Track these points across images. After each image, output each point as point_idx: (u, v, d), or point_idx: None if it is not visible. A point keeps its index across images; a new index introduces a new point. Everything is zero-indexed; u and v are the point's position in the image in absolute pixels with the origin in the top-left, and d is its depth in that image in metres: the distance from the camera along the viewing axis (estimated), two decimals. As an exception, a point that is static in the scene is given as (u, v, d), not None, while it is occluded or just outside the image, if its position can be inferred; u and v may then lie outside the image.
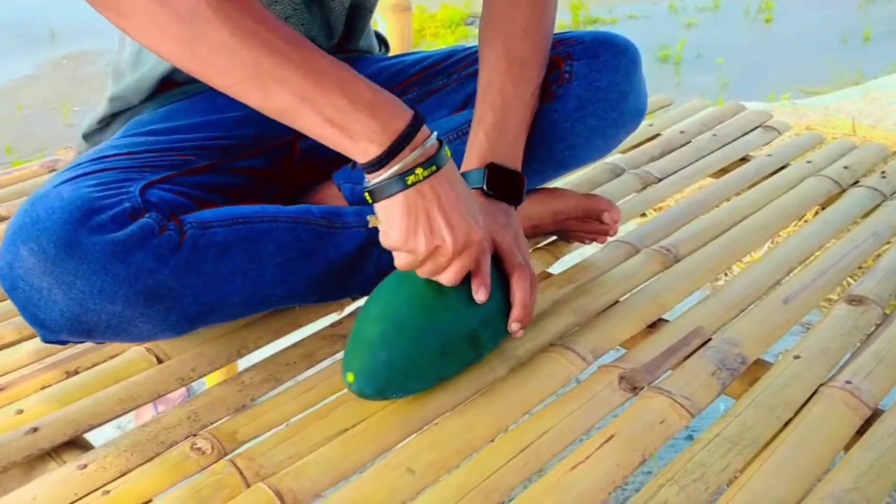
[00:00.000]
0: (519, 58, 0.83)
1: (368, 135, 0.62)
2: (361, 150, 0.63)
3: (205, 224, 0.72)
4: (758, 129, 1.32)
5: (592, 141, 0.89)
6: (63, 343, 0.72)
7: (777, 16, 4.75)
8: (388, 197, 0.64)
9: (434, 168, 0.64)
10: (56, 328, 0.67)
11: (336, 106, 0.61)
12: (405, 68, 0.97)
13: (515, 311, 0.73)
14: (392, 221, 0.65)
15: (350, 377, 0.68)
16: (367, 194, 0.65)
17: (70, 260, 0.64)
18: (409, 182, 0.63)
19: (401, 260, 0.68)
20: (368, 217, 0.68)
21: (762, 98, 3.06)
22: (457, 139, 0.88)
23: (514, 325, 0.74)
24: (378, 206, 0.65)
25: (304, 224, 0.77)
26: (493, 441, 0.67)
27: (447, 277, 0.69)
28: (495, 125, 0.81)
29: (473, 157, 0.81)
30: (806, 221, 1.03)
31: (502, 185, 0.80)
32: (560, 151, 0.88)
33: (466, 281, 0.71)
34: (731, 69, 3.78)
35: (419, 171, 0.63)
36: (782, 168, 1.19)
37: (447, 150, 0.66)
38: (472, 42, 0.93)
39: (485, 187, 0.79)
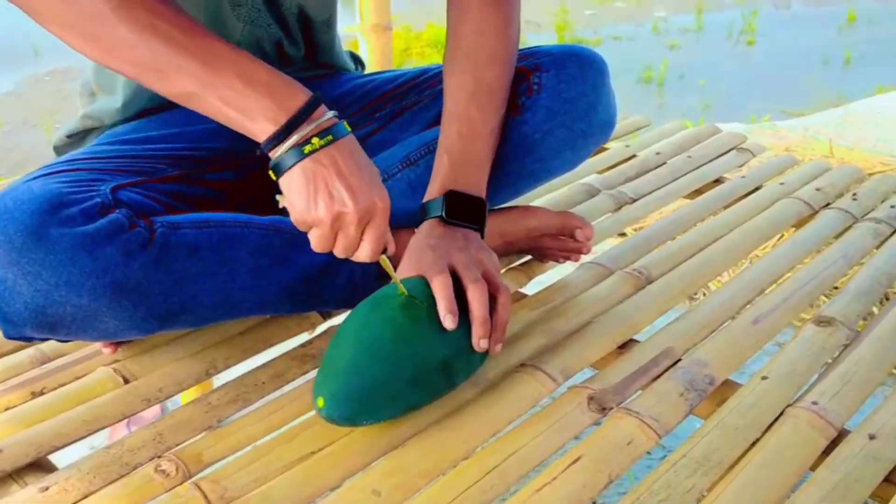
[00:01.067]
0: (486, 85, 0.84)
1: (265, 113, 0.64)
2: (260, 128, 0.64)
3: (175, 225, 0.72)
4: (732, 150, 1.33)
5: (562, 153, 0.89)
6: (27, 339, 0.71)
7: (759, 37, 4.81)
8: (288, 170, 0.64)
9: (331, 138, 0.65)
10: (20, 321, 0.67)
11: (234, 89, 0.64)
12: (379, 86, 0.98)
13: (474, 329, 0.71)
14: (294, 192, 0.65)
15: (320, 402, 0.67)
16: (271, 173, 0.66)
17: (37, 250, 0.65)
18: (306, 151, 0.64)
19: (313, 239, 0.67)
20: (277, 197, 0.68)
21: (744, 119, 3.09)
22: (428, 154, 0.89)
23: (482, 343, 0.71)
24: (281, 181, 0.66)
25: (275, 231, 0.77)
26: (460, 463, 0.67)
27: (364, 251, 0.67)
28: (461, 153, 0.82)
29: (436, 186, 0.82)
30: (778, 243, 1.04)
31: (462, 212, 0.80)
32: (530, 164, 0.89)
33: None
34: (714, 90, 3.82)
35: (315, 140, 0.64)
36: (756, 189, 1.20)
37: (347, 126, 0.67)
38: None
39: (443, 214, 0.79)
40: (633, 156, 1.33)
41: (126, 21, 0.63)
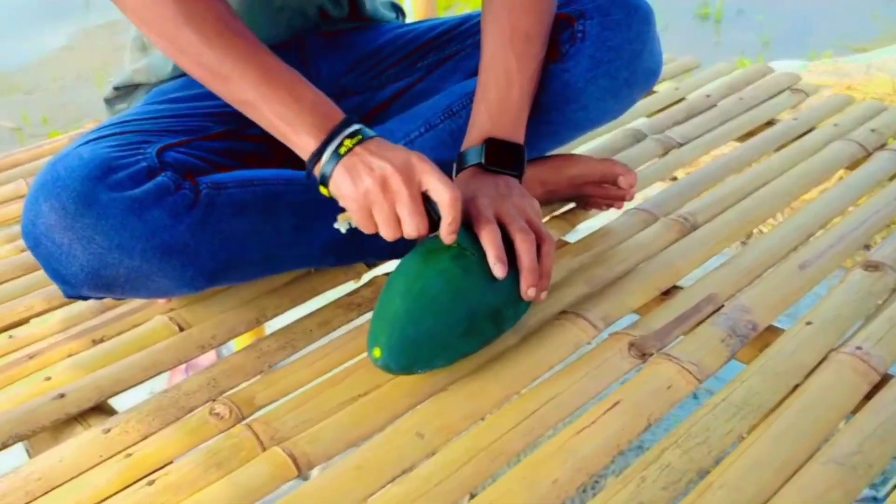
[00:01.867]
0: (523, 32, 0.83)
1: (308, 129, 0.70)
2: (304, 143, 0.70)
3: (220, 185, 0.74)
4: (786, 91, 1.30)
5: (605, 101, 0.88)
6: (85, 298, 0.75)
7: (822, -30, 4.60)
8: (331, 173, 0.69)
9: (360, 137, 0.70)
10: (76, 283, 0.70)
11: (285, 104, 0.70)
12: (420, 35, 0.98)
13: (523, 277, 0.72)
14: (342, 186, 0.69)
15: (377, 353, 0.68)
16: (322, 189, 0.71)
17: (88, 215, 0.67)
18: (342, 153, 0.69)
19: (380, 224, 0.70)
20: (336, 225, 0.72)
21: (805, 56, 2.99)
22: (470, 103, 0.89)
23: (529, 292, 0.72)
24: (331, 188, 0.70)
25: (318, 187, 0.79)
26: (501, 406, 0.69)
27: (436, 191, 0.68)
28: (498, 102, 0.82)
29: (474, 134, 0.81)
30: (830, 186, 1.02)
31: (501, 158, 0.80)
32: (573, 112, 0.88)
33: None
34: (774, 26, 3.69)
35: (347, 142, 0.70)
36: (809, 131, 1.17)
37: (371, 131, 0.72)
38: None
39: (483, 161, 0.79)
40: (682, 98, 1.30)
41: (197, 27, 0.70)
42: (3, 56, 3.86)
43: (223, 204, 0.73)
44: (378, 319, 0.70)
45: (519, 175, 0.81)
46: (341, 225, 0.72)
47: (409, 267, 0.72)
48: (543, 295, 0.74)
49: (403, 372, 0.70)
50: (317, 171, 0.71)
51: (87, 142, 0.74)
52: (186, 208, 0.71)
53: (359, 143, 0.70)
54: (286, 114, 0.70)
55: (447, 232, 0.69)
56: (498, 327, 0.73)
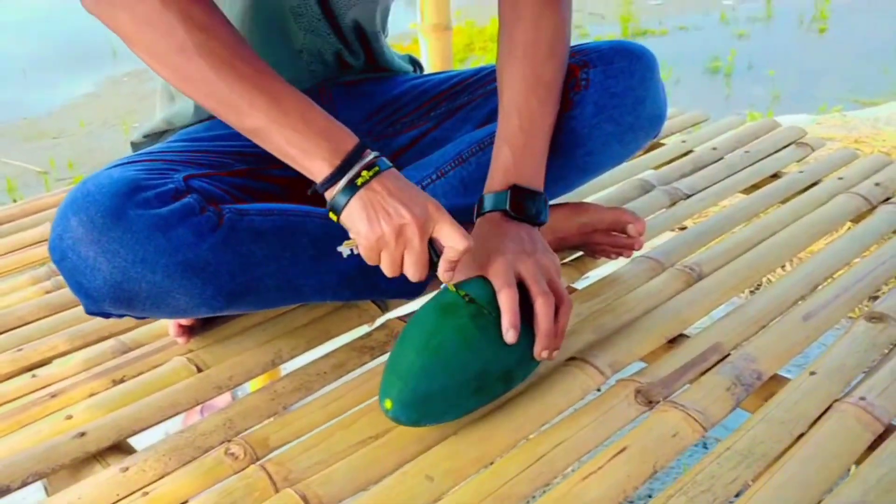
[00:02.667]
0: (545, 80, 0.86)
1: (322, 154, 0.70)
2: (317, 168, 0.70)
3: (242, 212, 0.77)
4: (791, 145, 1.33)
5: (610, 146, 0.91)
6: (106, 315, 0.76)
7: (832, 25, 4.67)
8: (346, 204, 0.70)
9: (377, 169, 0.70)
10: (99, 297, 0.72)
11: (297, 129, 0.70)
12: (434, 86, 1.01)
13: (539, 341, 0.73)
14: (356, 222, 0.70)
15: (388, 404, 0.69)
16: (331, 214, 0.72)
17: (115, 229, 0.70)
18: (359, 184, 0.69)
19: (384, 264, 0.72)
20: (340, 249, 0.74)
21: (814, 110, 3.03)
22: (479, 151, 0.92)
23: (542, 354, 0.73)
24: (343, 218, 0.71)
25: (335, 222, 0.81)
26: (510, 451, 0.70)
27: (449, 241, 0.70)
28: (523, 147, 0.83)
29: (497, 179, 0.83)
30: (835, 238, 1.04)
31: (525, 207, 0.81)
32: (580, 157, 0.91)
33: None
34: (784, 80, 3.74)
35: (364, 173, 0.70)
36: (814, 184, 1.19)
37: (387, 161, 0.72)
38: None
39: (507, 208, 0.81)
40: (690, 151, 1.33)
41: (208, 57, 0.69)
42: (33, 102, 3.96)
43: (244, 229, 0.76)
44: (392, 372, 0.71)
45: (541, 224, 0.82)
46: (345, 249, 0.74)
47: (426, 321, 0.73)
48: (555, 354, 0.75)
49: (412, 424, 0.71)
50: (328, 196, 0.71)
51: (116, 165, 0.77)
52: (210, 229, 0.73)
53: (376, 174, 0.70)
54: (298, 139, 0.70)
55: (443, 270, 0.71)
56: (508, 385, 0.74)
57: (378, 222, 0.69)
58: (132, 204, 0.71)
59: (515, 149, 0.83)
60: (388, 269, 0.72)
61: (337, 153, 0.70)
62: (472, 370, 0.70)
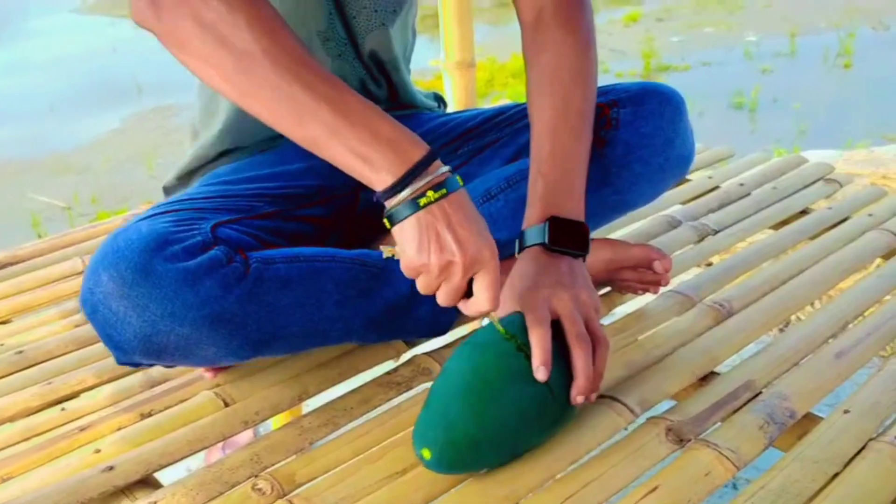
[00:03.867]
0: (575, 107, 0.85)
1: (387, 165, 0.67)
2: (381, 179, 0.67)
3: (268, 260, 0.77)
4: (819, 181, 1.32)
5: (639, 185, 0.91)
6: (136, 365, 0.77)
7: (856, 60, 4.67)
8: (402, 219, 0.67)
9: (444, 191, 0.67)
10: (129, 349, 0.73)
11: (361, 139, 0.67)
12: (460, 124, 1.02)
13: (576, 385, 0.71)
14: (407, 241, 0.68)
15: (426, 454, 0.68)
16: (385, 220, 0.69)
17: (144, 284, 0.71)
18: (422, 204, 0.67)
19: (420, 283, 0.70)
20: (382, 247, 0.72)
21: (840, 145, 3.01)
22: (508, 188, 0.92)
23: (578, 398, 0.71)
24: (395, 230, 0.69)
25: (360, 265, 0.82)
26: (539, 489, 0.69)
27: (482, 300, 0.69)
28: (557, 179, 0.82)
29: (535, 212, 0.82)
30: (865, 275, 1.03)
31: (566, 238, 0.80)
32: (607, 196, 0.91)
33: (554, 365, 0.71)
34: (809, 115, 3.73)
35: (430, 193, 0.67)
36: (843, 221, 1.18)
37: (459, 179, 0.69)
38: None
39: (546, 241, 0.79)
40: (717, 187, 1.33)
41: (274, 64, 0.67)
42: (59, 138, 4.03)
43: (270, 278, 0.76)
44: (431, 420, 0.69)
45: (583, 255, 0.81)
46: (386, 251, 0.72)
47: (470, 365, 0.71)
48: (593, 397, 0.74)
49: (449, 472, 0.70)
50: (388, 204, 0.68)
51: (145, 217, 0.78)
52: (236, 281, 0.74)
53: (442, 197, 0.67)
54: (362, 149, 0.67)
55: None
56: (548, 432, 0.73)
57: (427, 251, 0.67)
58: (160, 258, 0.71)
59: (549, 179, 0.82)
60: (421, 289, 0.71)
61: (402, 164, 0.67)
62: (515, 416, 0.69)
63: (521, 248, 0.81)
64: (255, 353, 0.77)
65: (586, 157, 0.85)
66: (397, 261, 0.71)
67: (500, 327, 0.72)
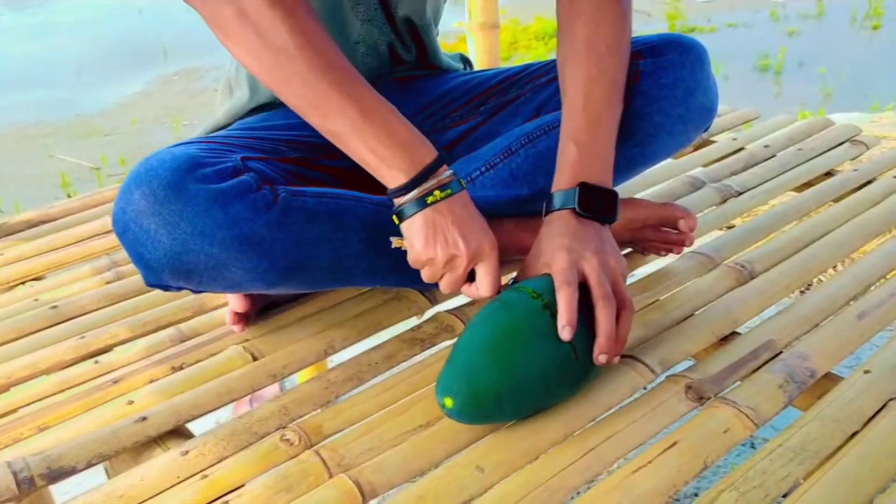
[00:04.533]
0: (609, 75, 0.85)
1: (399, 164, 0.73)
2: (393, 177, 0.74)
3: (296, 192, 0.79)
4: (846, 143, 1.31)
5: (660, 137, 0.91)
6: (165, 287, 0.79)
7: (886, 21, 4.57)
8: (411, 216, 0.74)
9: (449, 192, 0.75)
10: (159, 268, 0.75)
11: (378, 138, 0.73)
12: (483, 81, 1.02)
13: (598, 344, 0.73)
14: (414, 235, 0.75)
15: (448, 402, 0.69)
16: (394, 217, 0.76)
17: (176, 202, 0.73)
18: (429, 202, 0.74)
19: (424, 273, 0.77)
20: (392, 238, 0.79)
21: (866, 108, 2.97)
22: (528, 143, 0.92)
23: (601, 358, 0.73)
24: (403, 225, 0.76)
25: (385, 207, 0.83)
26: (560, 444, 0.71)
27: (484, 286, 0.76)
28: (589, 144, 0.82)
29: (566, 176, 0.82)
30: (889, 237, 1.02)
31: (595, 204, 0.80)
32: (628, 149, 0.90)
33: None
34: (835, 78, 3.67)
35: (437, 192, 0.74)
36: (868, 183, 1.17)
37: (462, 182, 0.76)
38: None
39: (577, 207, 0.80)
40: (741, 149, 1.32)
41: (305, 59, 0.72)
42: (87, 101, 4.06)
43: (298, 209, 0.78)
44: (454, 370, 0.71)
45: (612, 222, 0.82)
46: (395, 242, 0.78)
47: (492, 319, 0.72)
48: (616, 359, 0.75)
49: (469, 423, 0.72)
50: (397, 202, 0.75)
51: (178, 145, 0.80)
52: (265, 206, 0.76)
53: (447, 196, 0.74)
54: (379, 147, 0.73)
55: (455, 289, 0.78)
56: (570, 389, 0.74)
57: (434, 245, 0.74)
58: (192, 179, 0.73)
59: (582, 145, 0.82)
60: (425, 279, 0.78)
61: (414, 165, 0.74)
62: (537, 372, 0.70)
63: (549, 211, 0.82)
64: (281, 279, 0.79)
65: (616, 126, 0.85)
66: (405, 251, 0.78)
67: (528, 289, 0.73)
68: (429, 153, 0.75)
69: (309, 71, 0.72)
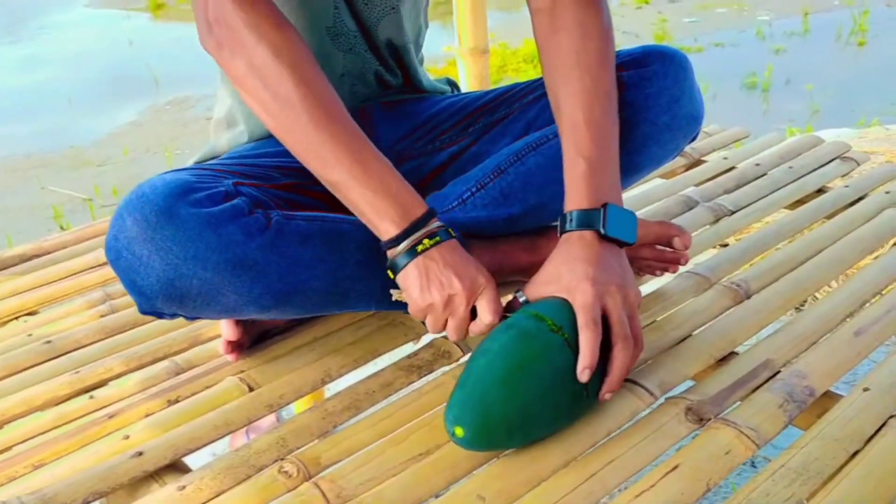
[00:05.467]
0: (605, 89, 0.84)
1: (391, 216, 0.76)
2: (385, 228, 0.76)
3: (289, 216, 0.80)
4: (836, 160, 1.31)
5: (648, 147, 0.91)
6: (159, 315, 0.78)
7: (871, 38, 4.62)
8: (404, 266, 0.76)
9: (438, 239, 0.76)
10: (152, 294, 0.74)
11: (373, 189, 0.76)
12: (471, 102, 1.03)
13: (611, 381, 0.74)
14: (410, 284, 0.76)
15: (459, 431, 0.69)
16: (389, 272, 0.78)
17: (168, 227, 0.73)
18: (419, 251, 0.76)
19: (429, 323, 0.78)
20: (392, 291, 0.80)
21: (854, 124, 2.99)
22: (517, 161, 0.92)
23: (606, 396, 0.74)
24: (399, 278, 0.77)
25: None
26: (560, 470, 0.70)
27: (485, 318, 0.76)
28: (599, 158, 0.81)
29: (581, 193, 0.80)
30: (883, 253, 1.02)
31: (617, 226, 0.79)
32: (619, 159, 0.90)
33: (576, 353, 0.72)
34: (822, 95, 3.70)
35: (426, 241, 0.76)
36: (860, 199, 1.18)
37: (451, 231, 0.78)
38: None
39: (602, 230, 0.78)
40: (733, 167, 1.32)
41: (308, 111, 0.76)
42: (78, 132, 4.06)
43: (291, 232, 0.78)
44: (467, 398, 0.70)
45: (630, 245, 0.81)
46: (395, 294, 0.80)
47: (508, 347, 0.72)
48: (608, 396, 0.75)
49: (476, 450, 0.71)
50: (390, 255, 0.77)
51: (169, 172, 0.80)
52: (258, 230, 0.76)
53: (436, 244, 0.76)
54: (373, 199, 0.76)
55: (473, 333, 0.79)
56: (575, 420, 0.74)
57: (429, 291, 0.76)
58: (184, 203, 0.74)
59: (592, 161, 0.80)
60: (431, 329, 0.79)
61: (406, 217, 0.76)
62: (550, 406, 0.71)
63: (566, 230, 0.80)
64: (276, 304, 0.78)
65: (617, 140, 0.84)
66: (405, 304, 0.79)
67: (548, 320, 0.73)
68: (420, 207, 0.77)
69: (310, 121, 0.76)
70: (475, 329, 0.78)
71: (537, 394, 0.70)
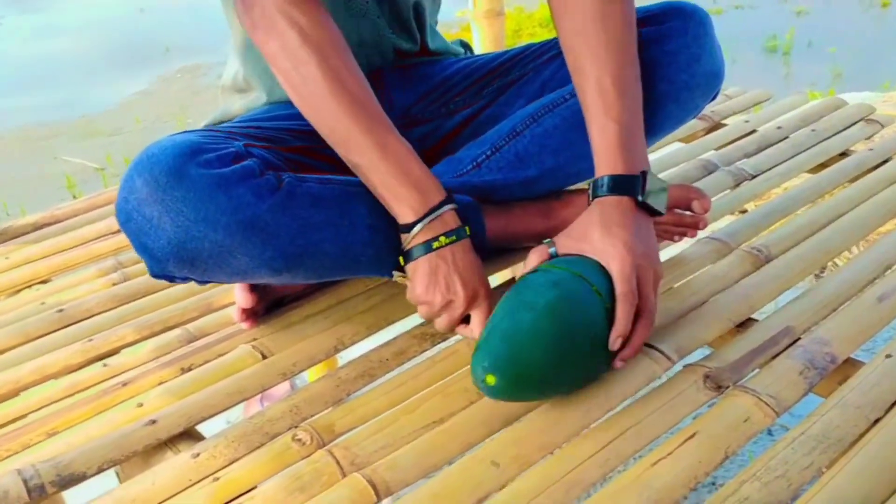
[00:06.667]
0: (631, 51, 0.82)
1: (410, 202, 0.77)
2: (403, 213, 0.78)
3: (300, 178, 0.79)
4: (859, 122, 1.28)
5: (665, 106, 0.88)
6: (170, 279, 0.78)
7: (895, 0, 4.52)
8: (417, 259, 0.78)
9: (454, 238, 0.78)
10: (163, 257, 0.74)
11: (393, 175, 0.78)
12: (484, 64, 1.01)
13: (625, 353, 0.74)
14: (418, 278, 0.78)
15: (490, 379, 0.68)
16: (400, 258, 0.79)
17: (179, 188, 0.72)
18: (435, 247, 0.77)
19: (422, 311, 0.80)
20: (394, 273, 0.82)
21: (877, 88, 2.93)
22: (532, 123, 0.91)
23: (618, 363, 0.74)
24: (409, 266, 0.79)
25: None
26: (576, 437, 0.69)
27: (474, 330, 0.79)
28: (629, 124, 0.79)
29: (614, 158, 0.78)
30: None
31: (654, 195, 0.78)
32: None
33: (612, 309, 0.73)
34: (845, 58, 3.63)
35: (442, 238, 0.77)
36: (884, 163, 1.15)
37: (467, 230, 0.79)
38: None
39: (641, 197, 0.77)
40: (753, 131, 1.30)
41: (337, 99, 0.78)
42: (89, 101, 4.05)
43: (303, 194, 0.77)
44: (506, 348, 0.69)
45: (661, 215, 0.80)
46: (396, 277, 0.82)
47: (561, 315, 0.71)
48: (620, 364, 0.75)
49: (501, 399, 0.70)
50: (405, 241, 0.78)
51: (178, 133, 0.79)
52: (269, 191, 0.75)
53: (452, 243, 0.77)
54: (393, 184, 0.77)
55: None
56: (598, 372, 0.75)
57: (433, 291, 0.78)
58: (194, 164, 0.73)
59: (626, 126, 0.79)
60: (422, 317, 0.81)
61: (424, 204, 0.77)
62: (582, 368, 0.72)
63: (597, 195, 0.79)
64: (287, 266, 0.77)
65: (641, 103, 0.82)
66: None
67: (591, 282, 0.73)
68: (438, 194, 0.78)
69: (337, 106, 0.77)
70: (462, 332, 0.81)
71: (577, 357, 0.71)
